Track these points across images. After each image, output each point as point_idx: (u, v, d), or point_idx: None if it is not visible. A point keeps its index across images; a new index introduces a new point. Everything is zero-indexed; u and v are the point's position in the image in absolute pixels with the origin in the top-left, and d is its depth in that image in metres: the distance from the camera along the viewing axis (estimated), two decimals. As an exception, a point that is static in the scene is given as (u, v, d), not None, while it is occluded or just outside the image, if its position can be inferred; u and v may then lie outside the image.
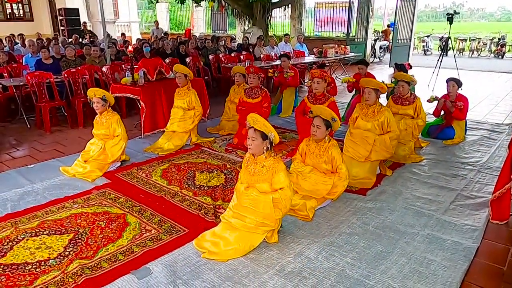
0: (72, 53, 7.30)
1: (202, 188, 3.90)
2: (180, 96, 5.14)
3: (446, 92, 5.37)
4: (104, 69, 6.78)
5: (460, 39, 18.12)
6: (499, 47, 16.52)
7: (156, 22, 16.45)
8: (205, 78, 8.37)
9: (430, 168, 4.42)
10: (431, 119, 5.71)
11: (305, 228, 3.16)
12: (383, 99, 6.10)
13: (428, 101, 5.41)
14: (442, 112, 5.48)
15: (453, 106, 5.19)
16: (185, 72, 5.07)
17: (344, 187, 3.54)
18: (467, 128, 5.62)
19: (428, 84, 9.38)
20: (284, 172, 2.81)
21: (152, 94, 5.52)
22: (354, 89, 6.45)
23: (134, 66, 5.65)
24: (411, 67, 6.01)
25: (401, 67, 5.83)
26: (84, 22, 15.52)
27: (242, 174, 2.98)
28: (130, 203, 3.57)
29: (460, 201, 3.63)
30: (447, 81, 5.36)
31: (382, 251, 2.85)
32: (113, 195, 3.73)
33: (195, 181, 4.05)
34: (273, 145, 2.84)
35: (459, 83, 5.28)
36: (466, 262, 2.73)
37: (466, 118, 5.49)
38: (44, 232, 3.08)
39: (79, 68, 6.57)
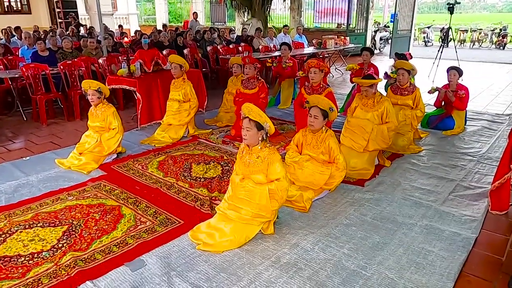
0: (69, 45, 7.22)
1: (199, 179, 3.86)
2: (175, 88, 5.08)
3: (446, 83, 5.32)
4: (100, 60, 6.71)
5: (461, 30, 17.99)
6: (501, 38, 16.40)
7: (195, 14, 15.54)
8: (203, 69, 8.32)
9: (429, 159, 4.37)
10: (431, 109, 5.66)
11: (302, 219, 3.12)
12: (381, 89, 6.06)
13: (429, 92, 5.36)
14: (443, 103, 5.43)
15: (453, 96, 5.13)
16: (180, 63, 5.00)
17: (342, 178, 3.50)
18: (467, 119, 5.57)
19: (429, 75, 9.31)
20: (280, 162, 2.77)
21: (149, 86, 5.46)
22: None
23: (130, 58, 5.58)
24: (411, 57, 5.94)
25: (402, 57, 5.77)
26: (71, 14, 15.26)
27: (237, 166, 2.94)
28: (125, 195, 3.54)
29: (459, 192, 3.58)
30: (448, 70, 5.29)
31: (379, 242, 2.81)
32: (109, 187, 3.70)
33: (191, 173, 4.01)
34: (268, 135, 2.80)
35: (460, 72, 5.21)
36: (464, 252, 2.69)
37: (466, 109, 5.43)
38: (38, 224, 3.04)
39: (75, 60, 6.50)
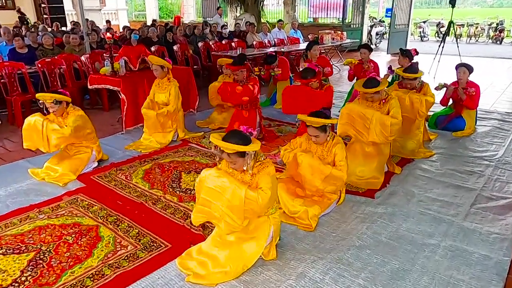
0: (50, 41, 6.73)
1: (189, 192, 3.43)
2: (160, 89, 4.57)
3: (452, 80, 4.94)
4: (83, 58, 6.23)
5: (457, 25, 17.64)
6: (498, 32, 16.11)
7: (220, 9, 14.34)
8: (194, 67, 7.88)
9: (443, 164, 3.99)
10: (439, 108, 5.27)
11: (308, 240, 2.72)
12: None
13: (436, 89, 4.95)
14: (451, 101, 5.05)
15: (464, 93, 4.76)
16: (160, 64, 4.49)
17: (343, 181, 3.03)
18: (477, 118, 5.20)
19: (429, 71, 8.93)
20: (269, 177, 2.30)
21: (134, 85, 5.00)
22: (355, 77, 5.94)
23: (114, 55, 5.12)
24: (417, 53, 5.49)
25: (407, 54, 5.32)
26: (18, 7, 14.59)
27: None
28: (105, 212, 3.10)
29: (481, 203, 3.20)
30: (456, 68, 4.92)
31: (399, 269, 2.42)
32: (86, 202, 3.26)
33: (181, 184, 3.58)
34: (257, 154, 2.35)
35: (470, 69, 4.83)
36: (500, 281, 2.31)
37: (477, 108, 5.06)
38: (0, 251, 2.60)
39: (55, 57, 6.02)
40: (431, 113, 5.06)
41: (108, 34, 5.73)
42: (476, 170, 3.83)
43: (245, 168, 2.30)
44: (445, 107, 5.16)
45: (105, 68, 5.12)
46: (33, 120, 3.68)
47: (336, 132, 3.63)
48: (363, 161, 3.63)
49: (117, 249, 2.63)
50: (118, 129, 5.17)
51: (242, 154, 2.25)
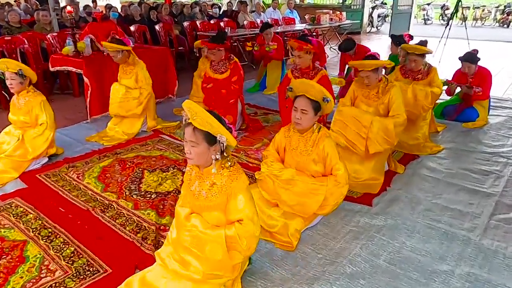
0: (16, 18, 6.07)
1: (148, 195, 2.85)
2: (125, 74, 3.95)
3: (457, 66, 4.32)
4: (49, 36, 5.57)
5: (463, 7, 16.82)
6: (505, 15, 15.34)
7: None
8: (180, 48, 7.24)
9: (453, 162, 3.40)
10: (446, 97, 4.64)
11: (286, 264, 2.14)
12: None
13: None
14: (458, 89, 4.42)
15: (470, 89, 4.16)
16: (115, 49, 3.79)
17: (343, 196, 2.48)
18: (490, 107, 4.58)
19: (434, 54, 8.25)
20: (246, 193, 1.76)
21: (100, 67, 4.38)
22: (347, 66, 5.23)
23: (76, 32, 4.48)
24: (412, 38, 4.74)
25: (399, 40, 4.51)
26: None
27: (184, 193, 1.94)
28: (40, 222, 2.52)
29: (502, 214, 2.62)
30: (461, 63, 4.28)
31: (403, 309, 1.85)
32: (22, 209, 2.67)
33: (140, 186, 2.99)
34: (228, 150, 1.77)
35: (474, 61, 4.19)
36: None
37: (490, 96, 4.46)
38: None
39: (18, 36, 5.37)
40: (438, 102, 4.45)
41: (69, 8, 5.04)
42: (493, 170, 3.25)
43: (212, 158, 1.72)
44: (451, 97, 4.53)
45: (67, 47, 4.49)
46: (8, 130, 3.37)
47: (328, 127, 3.06)
48: (359, 158, 3.04)
49: (42, 275, 2.06)
50: (84, 118, 4.56)
51: (212, 140, 1.67)
